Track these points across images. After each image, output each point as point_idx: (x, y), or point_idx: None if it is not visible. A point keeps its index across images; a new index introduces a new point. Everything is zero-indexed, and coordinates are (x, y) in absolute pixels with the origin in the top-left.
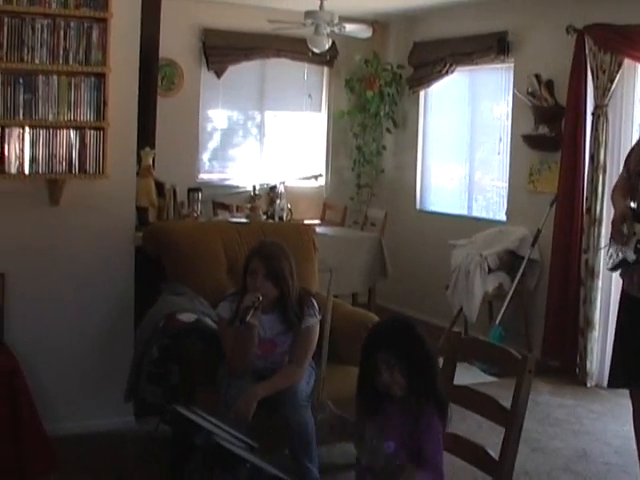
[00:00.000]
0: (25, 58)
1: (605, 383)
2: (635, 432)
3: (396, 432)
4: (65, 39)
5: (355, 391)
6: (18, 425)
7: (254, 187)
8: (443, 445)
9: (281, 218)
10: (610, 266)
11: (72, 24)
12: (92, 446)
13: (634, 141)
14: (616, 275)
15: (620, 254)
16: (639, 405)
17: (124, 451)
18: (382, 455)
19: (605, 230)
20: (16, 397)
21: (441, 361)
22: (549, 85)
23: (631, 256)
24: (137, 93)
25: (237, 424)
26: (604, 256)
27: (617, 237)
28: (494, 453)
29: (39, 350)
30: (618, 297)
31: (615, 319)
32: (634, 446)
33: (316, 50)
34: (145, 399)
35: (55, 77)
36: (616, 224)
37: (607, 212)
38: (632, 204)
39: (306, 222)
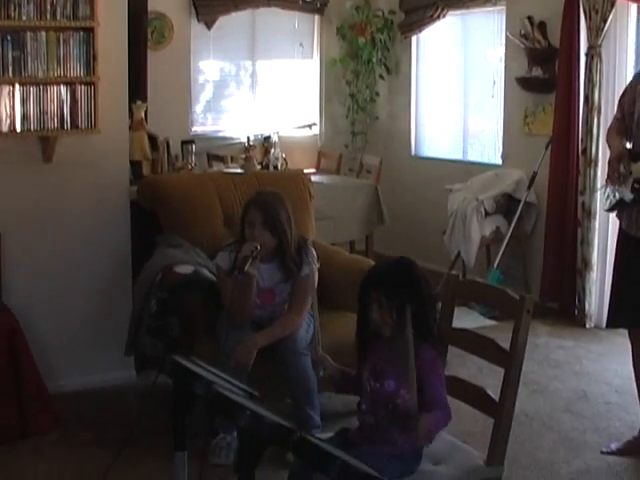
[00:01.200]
0: (12, 15)
1: (604, 324)
2: (634, 371)
3: (393, 371)
4: None
5: (354, 336)
6: (19, 384)
7: (248, 138)
8: (445, 381)
9: (276, 168)
10: (607, 207)
11: None
12: (94, 402)
13: (628, 81)
14: (613, 215)
15: (617, 194)
16: (638, 345)
17: (126, 405)
18: (382, 395)
19: (601, 171)
20: (17, 356)
21: (440, 305)
22: (542, 27)
23: (628, 196)
24: (127, 47)
25: (237, 374)
26: (601, 197)
27: (614, 177)
28: (494, 395)
29: (38, 309)
30: (615, 237)
31: (613, 259)
32: (634, 385)
33: None
34: (145, 353)
35: (43, 33)
36: (613, 164)
37: (603, 153)
38: (627, 144)
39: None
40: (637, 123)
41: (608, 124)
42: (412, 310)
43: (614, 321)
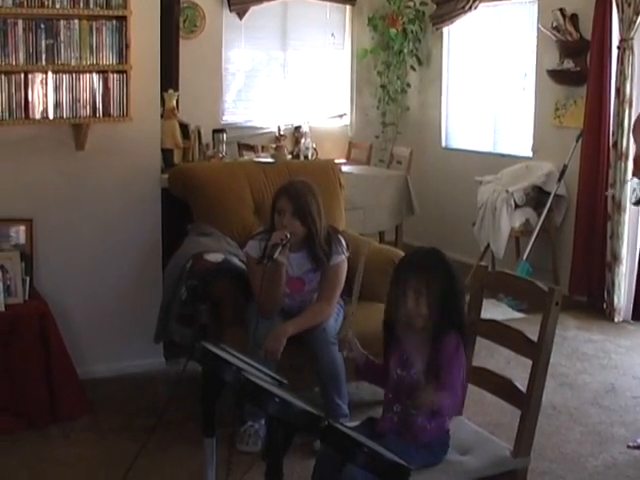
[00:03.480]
0: (46, 3)
1: (632, 318)
2: None
3: (420, 359)
4: None
5: (381, 327)
6: (50, 369)
7: (279, 127)
8: (465, 373)
9: (306, 157)
10: (634, 200)
11: None
12: (123, 388)
13: None
14: (636, 207)
15: None
16: None
17: (155, 392)
18: (409, 383)
19: (632, 164)
20: (48, 340)
21: (468, 297)
22: (574, 19)
23: None
24: (159, 35)
25: (267, 362)
26: (629, 191)
27: (639, 174)
28: (522, 386)
29: (69, 294)
30: None
31: None
32: None
33: None
34: (174, 340)
35: (76, 21)
36: (638, 160)
37: (633, 146)
38: None
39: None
40: None
41: None
42: (446, 300)
43: None
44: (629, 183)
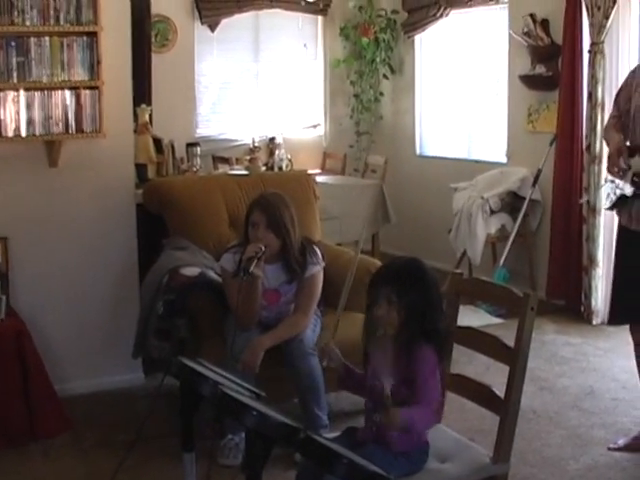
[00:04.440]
0: (16, 21)
1: None
2: (637, 367)
3: (394, 368)
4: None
5: (361, 336)
6: (28, 386)
7: (253, 139)
8: (440, 381)
9: (281, 169)
10: (608, 205)
11: None
12: (102, 404)
13: None
14: (611, 211)
15: (617, 191)
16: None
17: (134, 407)
18: (383, 392)
19: (605, 167)
20: (25, 359)
21: (445, 303)
22: (544, 24)
23: (629, 189)
24: (130, 50)
25: (245, 375)
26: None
27: (614, 171)
28: (500, 392)
29: (46, 311)
30: None
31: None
32: None
33: None
34: (153, 355)
35: (47, 38)
36: (613, 158)
37: (606, 149)
38: (626, 143)
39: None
40: (633, 119)
41: None
42: (419, 309)
43: (616, 317)
44: (603, 188)
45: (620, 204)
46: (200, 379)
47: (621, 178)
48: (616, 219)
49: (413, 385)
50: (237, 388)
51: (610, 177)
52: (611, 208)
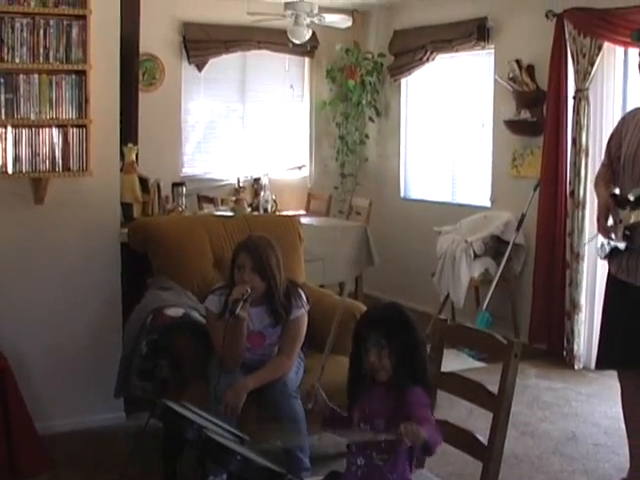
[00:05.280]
0: (5, 57)
1: (592, 365)
2: (623, 412)
3: (383, 411)
4: (45, 37)
5: (346, 379)
6: (8, 424)
7: (238, 179)
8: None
9: (266, 210)
10: (602, 255)
11: (51, 22)
12: (84, 443)
13: (615, 124)
14: (606, 260)
15: (611, 242)
16: (627, 386)
17: (116, 447)
18: (371, 435)
19: (589, 213)
20: (6, 397)
21: (429, 348)
22: (530, 70)
23: (622, 244)
24: (118, 89)
25: (228, 417)
26: (589, 246)
27: (603, 233)
28: (483, 438)
29: (28, 349)
30: (604, 279)
31: (601, 301)
32: (622, 426)
33: (296, 41)
34: (135, 395)
35: (36, 76)
36: (601, 219)
37: (590, 195)
38: (616, 190)
39: (291, 213)
40: (624, 167)
41: (596, 167)
42: (408, 352)
43: (603, 362)
44: (593, 240)
45: (612, 255)
46: (184, 422)
47: (612, 236)
48: (599, 265)
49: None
50: (221, 432)
51: (602, 235)
52: (606, 258)
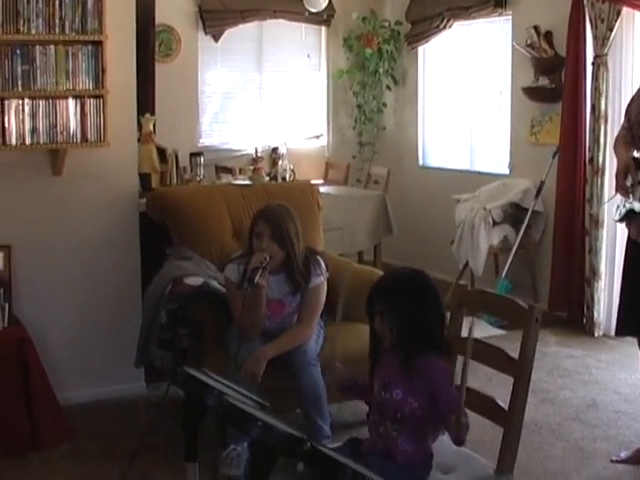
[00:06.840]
0: (21, 29)
1: (612, 332)
2: None
3: (400, 380)
4: (60, 8)
5: (364, 345)
6: (30, 395)
7: (256, 149)
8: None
9: (284, 179)
10: (617, 217)
11: None
12: (104, 413)
13: (634, 90)
14: (621, 223)
15: (627, 204)
16: None
17: (136, 417)
18: (390, 405)
19: (608, 180)
20: (27, 367)
21: (449, 315)
22: (548, 36)
23: (638, 206)
24: (135, 60)
25: (248, 385)
26: (608, 207)
27: (621, 192)
28: (503, 404)
29: (48, 320)
30: (623, 246)
31: (621, 268)
32: None
33: (313, 9)
34: (155, 364)
35: (52, 47)
36: (619, 178)
37: (610, 162)
38: (636, 153)
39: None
40: None
41: (615, 133)
42: (413, 323)
43: (623, 329)
44: (610, 201)
45: (629, 218)
46: (205, 389)
47: (629, 195)
48: (619, 231)
49: (437, 402)
50: (242, 398)
51: (618, 195)
52: (621, 220)
